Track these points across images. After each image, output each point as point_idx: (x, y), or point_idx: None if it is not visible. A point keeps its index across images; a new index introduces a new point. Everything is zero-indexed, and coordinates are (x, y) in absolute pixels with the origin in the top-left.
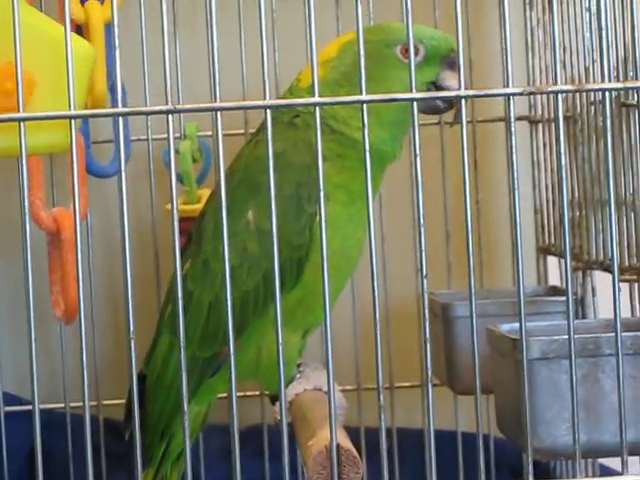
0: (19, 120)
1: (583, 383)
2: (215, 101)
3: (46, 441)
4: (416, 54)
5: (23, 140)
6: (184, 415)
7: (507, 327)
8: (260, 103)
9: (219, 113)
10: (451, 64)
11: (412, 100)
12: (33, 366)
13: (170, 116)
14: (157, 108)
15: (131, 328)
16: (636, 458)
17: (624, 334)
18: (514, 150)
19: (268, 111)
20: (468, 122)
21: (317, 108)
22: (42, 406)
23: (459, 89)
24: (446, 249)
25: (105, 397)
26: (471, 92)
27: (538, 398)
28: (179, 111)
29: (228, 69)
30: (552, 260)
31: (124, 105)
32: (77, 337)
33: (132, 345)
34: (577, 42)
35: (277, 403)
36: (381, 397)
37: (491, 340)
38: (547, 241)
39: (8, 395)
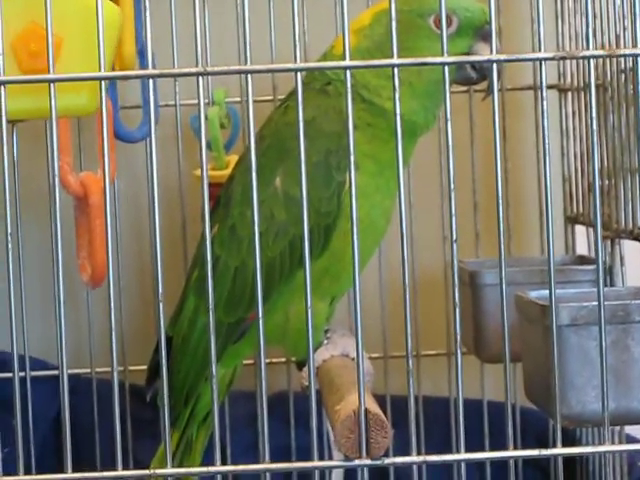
0: (49, 81)
1: (612, 350)
2: (245, 64)
3: (72, 406)
4: (449, 25)
5: (53, 102)
6: (212, 377)
7: (536, 294)
8: (290, 66)
9: (249, 76)
10: (485, 36)
11: (443, 64)
12: (61, 330)
13: (200, 79)
14: (187, 70)
15: (160, 290)
16: None
17: None
18: (544, 116)
19: (298, 74)
20: (497, 90)
21: (348, 72)
22: (69, 371)
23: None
24: (474, 218)
25: (132, 363)
26: (502, 57)
27: (567, 365)
28: (209, 73)
29: (257, 35)
30: (580, 229)
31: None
32: (104, 302)
33: (161, 307)
34: (608, 9)
35: (304, 369)
36: (410, 363)
37: (520, 307)
38: (575, 210)
39: (34, 359)
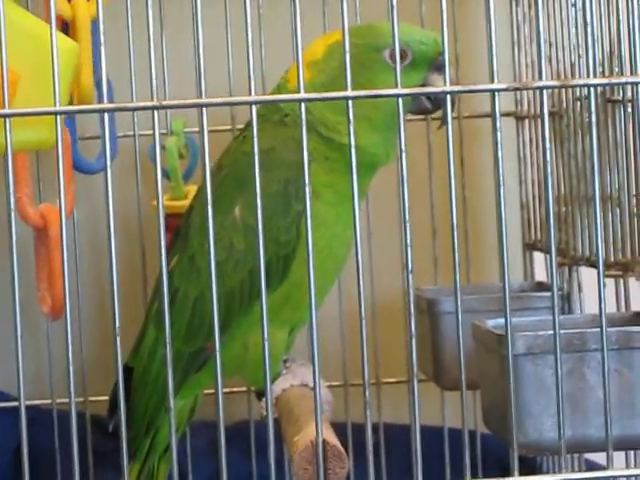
0: (5, 116)
1: (569, 378)
2: (201, 97)
3: (33, 437)
4: (404, 58)
5: (9, 136)
6: (170, 409)
7: (493, 322)
8: (246, 99)
9: (205, 109)
10: (439, 67)
11: (397, 96)
12: (19, 362)
13: (156, 112)
14: (143, 104)
15: (117, 324)
16: (621, 453)
17: (609, 329)
18: (499, 146)
19: (254, 107)
20: (454, 118)
21: (302, 105)
22: (28, 402)
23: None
24: (432, 245)
25: (92, 393)
26: (457, 88)
27: (524, 393)
28: (165, 107)
29: (214, 66)
30: (538, 256)
31: (110, 101)
32: (64, 333)
33: (118, 341)
34: (563, 37)
35: (263, 399)
36: (367, 393)
37: (477, 335)
38: (533, 237)
39: None
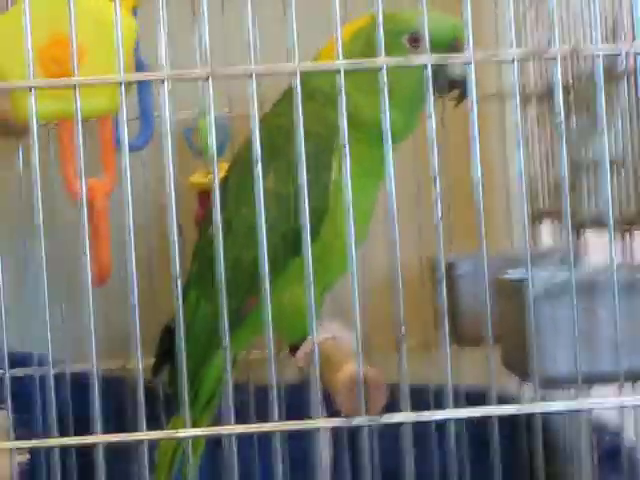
0: (74, 84)
1: (582, 317)
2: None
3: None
4: (419, 44)
5: (78, 103)
6: (226, 351)
7: (511, 274)
8: (291, 66)
9: (253, 77)
10: (455, 49)
11: (425, 65)
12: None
13: (209, 81)
14: (197, 72)
15: (177, 270)
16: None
17: (618, 272)
18: (518, 113)
19: (297, 74)
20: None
21: (342, 70)
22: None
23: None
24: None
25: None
26: (479, 56)
27: (542, 332)
28: (217, 76)
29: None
30: (545, 227)
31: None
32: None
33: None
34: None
35: (298, 353)
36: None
37: (498, 287)
38: (541, 207)
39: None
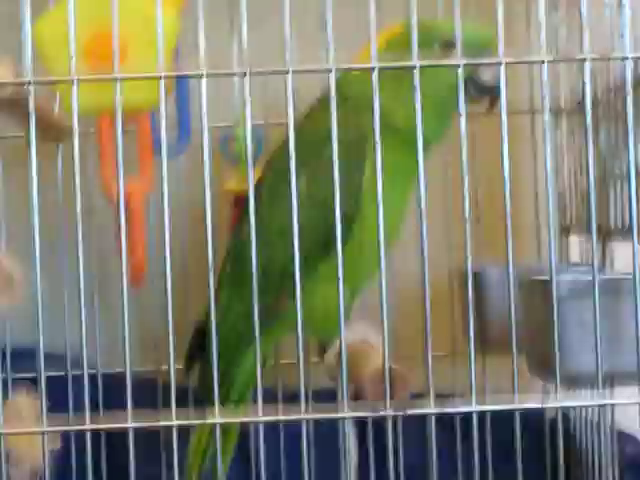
0: (116, 79)
1: (605, 319)
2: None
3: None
4: (452, 50)
5: (118, 98)
6: (257, 343)
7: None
8: (326, 66)
9: (290, 73)
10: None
11: (457, 66)
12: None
13: (247, 78)
14: (236, 70)
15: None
16: None
17: None
18: (547, 123)
19: (333, 73)
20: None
21: (375, 72)
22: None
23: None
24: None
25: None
26: (510, 59)
27: (565, 332)
28: (255, 73)
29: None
30: (573, 242)
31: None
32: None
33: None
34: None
35: (326, 355)
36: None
37: (525, 288)
38: (568, 222)
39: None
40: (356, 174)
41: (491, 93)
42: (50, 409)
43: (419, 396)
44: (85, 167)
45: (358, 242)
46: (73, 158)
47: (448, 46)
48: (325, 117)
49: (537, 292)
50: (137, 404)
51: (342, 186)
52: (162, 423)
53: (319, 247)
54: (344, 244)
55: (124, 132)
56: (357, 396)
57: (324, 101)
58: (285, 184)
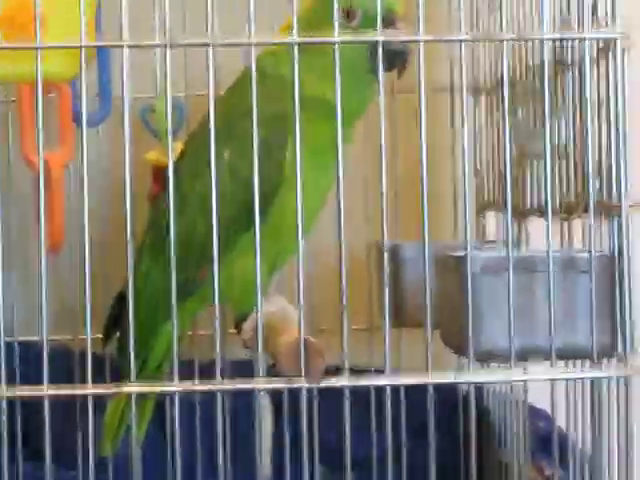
0: (36, 49)
1: (519, 295)
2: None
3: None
4: (353, 17)
5: (39, 67)
6: (173, 313)
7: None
8: (247, 41)
9: (211, 48)
10: (391, 23)
11: (334, 43)
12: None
13: (168, 50)
14: (156, 42)
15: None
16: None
17: (554, 253)
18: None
19: (253, 48)
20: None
21: (295, 46)
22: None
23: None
24: (395, 206)
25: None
26: (429, 37)
27: (479, 308)
28: (175, 45)
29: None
30: (490, 220)
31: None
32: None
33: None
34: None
35: (243, 325)
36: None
37: (440, 264)
38: (486, 198)
39: None
40: (278, 149)
41: (402, 58)
42: None
43: (338, 370)
44: (5, 135)
45: (279, 216)
46: None
47: (348, 15)
48: (247, 92)
49: (451, 268)
50: (55, 372)
51: (263, 161)
52: (78, 392)
53: (239, 221)
54: (265, 218)
55: (45, 101)
56: (275, 369)
57: (247, 76)
58: (206, 156)
